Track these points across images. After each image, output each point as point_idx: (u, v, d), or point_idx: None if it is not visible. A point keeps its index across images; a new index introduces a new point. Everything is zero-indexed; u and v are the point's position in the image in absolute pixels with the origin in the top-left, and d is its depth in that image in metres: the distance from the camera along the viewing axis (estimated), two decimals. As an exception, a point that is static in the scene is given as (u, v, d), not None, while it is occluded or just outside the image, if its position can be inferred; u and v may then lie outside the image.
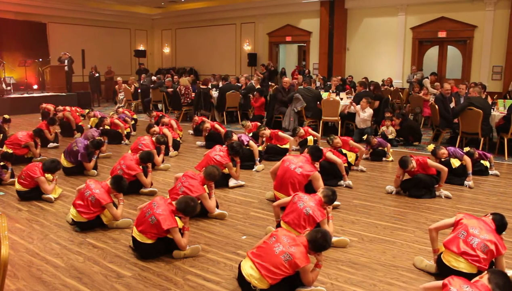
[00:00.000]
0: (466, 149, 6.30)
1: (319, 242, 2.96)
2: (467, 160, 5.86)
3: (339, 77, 12.98)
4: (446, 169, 5.29)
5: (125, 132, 8.86)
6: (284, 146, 7.31)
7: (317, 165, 5.19)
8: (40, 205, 5.01)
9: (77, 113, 10.04)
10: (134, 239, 3.68)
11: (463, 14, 12.71)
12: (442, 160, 5.81)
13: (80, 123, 9.71)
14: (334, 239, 3.83)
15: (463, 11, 12.70)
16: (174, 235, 3.58)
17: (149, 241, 3.60)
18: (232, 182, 5.73)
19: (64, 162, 6.27)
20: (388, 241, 4.03)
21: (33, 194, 5.14)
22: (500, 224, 3.34)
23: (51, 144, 8.26)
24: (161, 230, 3.55)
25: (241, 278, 3.03)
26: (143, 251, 3.65)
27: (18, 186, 5.16)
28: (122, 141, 8.69)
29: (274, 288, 2.90)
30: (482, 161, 6.38)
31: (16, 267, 3.48)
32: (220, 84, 12.67)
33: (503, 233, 3.45)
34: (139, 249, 3.67)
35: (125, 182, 4.42)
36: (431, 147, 6.01)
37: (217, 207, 4.67)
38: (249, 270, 2.96)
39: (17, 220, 4.53)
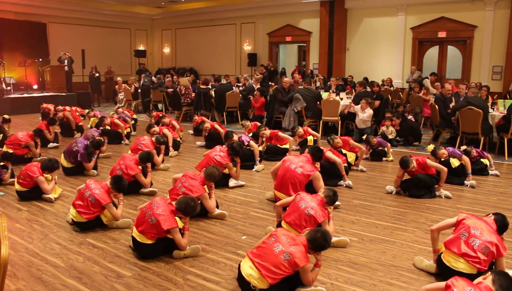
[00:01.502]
0: (463, 148, 6.31)
1: (318, 242, 2.96)
2: (466, 160, 5.86)
3: (337, 77, 12.95)
4: (445, 169, 5.29)
5: (125, 132, 8.87)
6: (284, 146, 7.31)
7: (317, 165, 5.19)
8: (40, 205, 5.01)
9: (77, 113, 10.04)
10: (134, 239, 3.68)
11: (463, 14, 12.71)
12: (442, 160, 5.81)
13: (80, 123, 9.72)
14: (334, 239, 3.83)
15: (463, 11, 12.70)
16: (174, 235, 3.58)
17: (149, 241, 3.60)
18: (232, 182, 5.73)
19: (64, 162, 6.27)
20: (388, 241, 4.03)
21: (32, 194, 5.13)
22: (501, 225, 3.33)
23: (51, 144, 8.26)
24: (161, 230, 3.55)
25: (240, 278, 3.03)
26: (143, 251, 3.66)
27: (17, 186, 5.16)
28: (122, 142, 8.69)
29: (274, 288, 2.90)
30: (482, 159, 6.38)
31: (16, 267, 3.48)
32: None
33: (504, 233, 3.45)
34: (139, 249, 3.67)
35: (125, 182, 4.42)
36: (430, 147, 6.01)
37: (217, 207, 4.67)
38: (248, 270, 2.96)
39: (17, 220, 4.53)
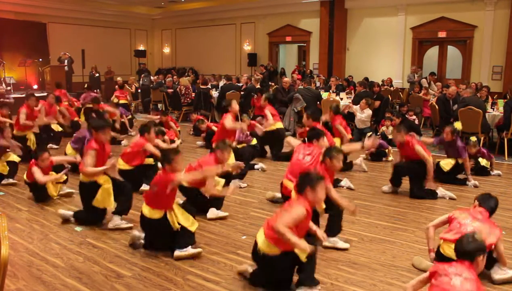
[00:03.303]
0: (473, 139, 6.28)
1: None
2: (467, 165, 5.81)
3: (337, 77, 12.93)
4: (431, 160, 5.19)
5: (120, 120, 8.87)
6: (276, 127, 7.20)
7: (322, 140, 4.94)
8: (40, 205, 5.01)
9: (73, 108, 9.94)
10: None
11: (463, 14, 12.71)
12: (471, 155, 5.91)
13: (75, 119, 9.42)
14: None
15: (463, 11, 12.70)
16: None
17: None
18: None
19: (69, 150, 6.24)
20: (388, 241, 4.03)
21: (36, 187, 5.10)
22: (489, 208, 3.45)
23: (50, 145, 8.20)
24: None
25: (254, 250, 3.09)
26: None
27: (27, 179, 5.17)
28: (122, 142, 8.59)
29: (280, 256, 2.94)
30: (480, 158, 6.33)
31: (16, 267, 3.48)
32: (221, 83, 12.70)
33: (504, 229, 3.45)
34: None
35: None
36: (458, 124, 5.99)
37: (219, 207, 4.65)
38: (260, 237, 3.04)
39: (17, 220, 4.53)
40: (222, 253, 3.77)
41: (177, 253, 3.63)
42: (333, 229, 3.88)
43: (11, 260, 3.46)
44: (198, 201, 4.50)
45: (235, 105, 6.40)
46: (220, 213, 4.63)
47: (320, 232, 3.32)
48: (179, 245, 3.64)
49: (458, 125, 5.93)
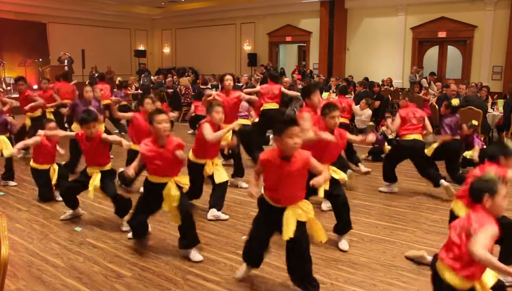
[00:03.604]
0: (474, 122, 6.26)
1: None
2: (442, 137, 5.75)
3: (337, 77, 12.91)
4: (396, 126, 5.44)
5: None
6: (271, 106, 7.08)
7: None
8: (40, 205, 5.01)
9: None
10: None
11: (463, 14, 12.72)
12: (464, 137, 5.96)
13: (64, 101, 8.99)
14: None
15: (463, 11, 12.70)
16: None
17: None
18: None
19: (75, 128, 6.21)
20: (388, 241, 4.03)
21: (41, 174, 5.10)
22: (492, 156, 3.24)
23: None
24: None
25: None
26: None
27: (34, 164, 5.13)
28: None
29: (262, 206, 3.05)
30: (465, 152, 6.22)
31: (16, 267, 3.48)
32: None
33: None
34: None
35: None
36: (455, 101, 5.92)
37: (219, 208, 4.63)
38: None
39: (17, 220, 4.53)
40: (222, 253, 3.77)
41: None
42: (342, 227, 3.89)
43: (11, 260, 3.47)
44: (196, 188, 4.56)
45: (226, 80, 6.10)
46: (221, 216, 4.59)
47: (316, 179, 2.88)
48: (180, 247, 3.66)
49: (455, 101, 5.90)
